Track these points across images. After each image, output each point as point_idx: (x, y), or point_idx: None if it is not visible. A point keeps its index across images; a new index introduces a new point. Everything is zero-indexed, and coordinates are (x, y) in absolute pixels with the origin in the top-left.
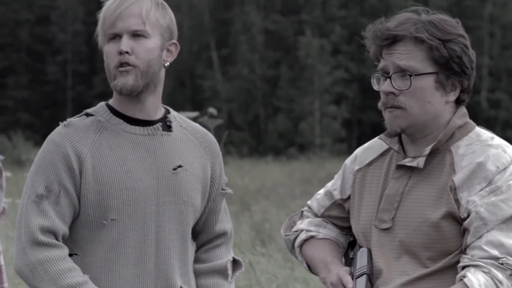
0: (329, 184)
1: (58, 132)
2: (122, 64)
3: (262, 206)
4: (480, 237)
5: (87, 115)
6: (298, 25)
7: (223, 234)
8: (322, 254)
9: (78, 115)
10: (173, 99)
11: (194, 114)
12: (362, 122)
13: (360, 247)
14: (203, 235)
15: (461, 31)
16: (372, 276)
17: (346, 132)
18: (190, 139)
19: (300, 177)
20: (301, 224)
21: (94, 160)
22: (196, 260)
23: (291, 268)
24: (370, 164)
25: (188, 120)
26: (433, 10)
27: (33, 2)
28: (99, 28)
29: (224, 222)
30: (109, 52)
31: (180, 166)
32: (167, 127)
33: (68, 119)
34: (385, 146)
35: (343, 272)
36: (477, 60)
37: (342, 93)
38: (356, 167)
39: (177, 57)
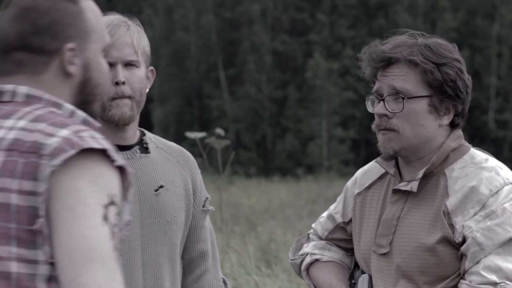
0: (332, 207)
1: None
2: (117, 95)
3: (269, 227)
4: (477, 263)
5: None
6: (306, 45)
7: (205, 254)
8: (327, 277)
9: None
10: (181, 119)
11: (201, 134)
12: (370, 143)
13: (363, 272)
14: (184, 253)
15: (457, 55)
16: None
17: (354, 153)
18: (168, 158)
19: (307, 198)
20: (307, 248)
21: None
22: None
23: None
24: (369, 187)
25: (164, 140)
26: (442, 29)
27: None
28: None
29: (207, 241)
30: None
31: (161, 187)
32: (144, 149)
33: None
34: (383, 169)
35: None
36: (485, 80)
37: (351, 115)
38: (356, 191)
39: (185, 77)
